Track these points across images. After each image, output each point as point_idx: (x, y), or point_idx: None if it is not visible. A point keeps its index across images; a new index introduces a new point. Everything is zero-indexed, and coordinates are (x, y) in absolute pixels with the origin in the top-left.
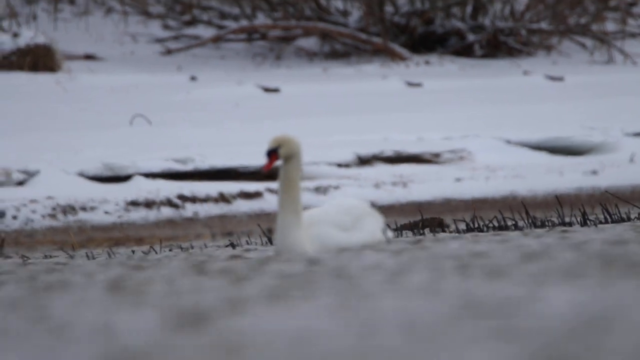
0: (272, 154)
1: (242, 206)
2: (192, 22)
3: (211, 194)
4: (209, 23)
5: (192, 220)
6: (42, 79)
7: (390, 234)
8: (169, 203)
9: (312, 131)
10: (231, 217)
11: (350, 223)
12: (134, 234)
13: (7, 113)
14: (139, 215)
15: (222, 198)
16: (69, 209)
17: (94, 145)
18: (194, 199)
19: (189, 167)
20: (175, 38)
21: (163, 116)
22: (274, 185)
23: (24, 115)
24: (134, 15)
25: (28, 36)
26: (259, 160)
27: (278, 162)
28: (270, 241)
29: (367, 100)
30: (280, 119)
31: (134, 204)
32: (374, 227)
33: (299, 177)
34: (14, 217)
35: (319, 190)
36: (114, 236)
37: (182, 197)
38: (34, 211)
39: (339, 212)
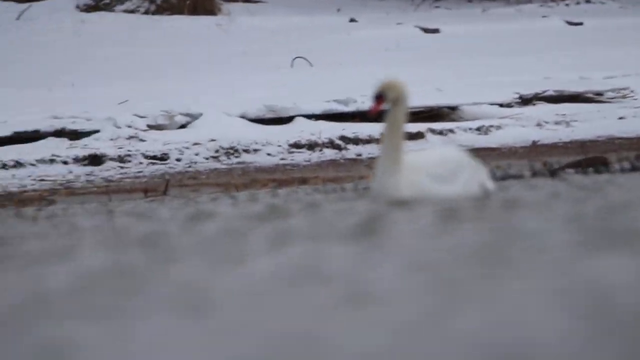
0: (379, 98)
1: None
2: None
3: (373, 134)
4: None
5: (355, 161)
6: (202, 21)
7: (492, 185)
8: (332, 144)
9: (473, 71)
10: None
11: (447, 174)
12: (298, 175)
13: (168, 56)
14: (301, 157)
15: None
16: (231, 151)
17: (256, 88)
18: (356, 140)
19: (350, 107)
20: None
21: (323, 58)
22: (436, 125)
23: (185, 58)
24: None
25: None
26: (420, 100)
27: (385, 107)
28: None
29: (527, 39)
30: (440, 59)
31: (297, 145)
32: (470, 179)
33: (403, 122)
34: (178, 160)
35: (480, 130)
36: (277, 177)
37: (344, 138)
38: (197, 154)
39: (436, 163)
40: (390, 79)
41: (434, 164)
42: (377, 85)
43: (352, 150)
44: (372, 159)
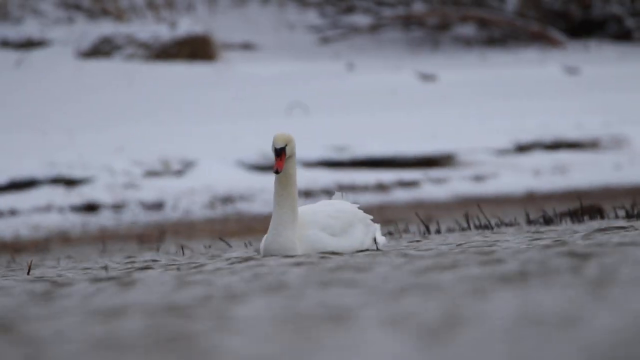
0: (281, 152)
1: (400, 195)
2: (349, 10)
3: (370, 182)
4: (366, 10)
5: None
6: (199, 68)
7: (382, 240)
8: (327, 192)
9: (470, 118)
10: (389, 205)
11: (340, 228)
12: None
13: (165, 103)
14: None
15: (381, 187)
16: (227, 199)
17: (251, 134)
18: (353, 188)
19: (346, 155)
20: (332, 26)
21: (320, 104)
22: (433, 173)
23: (182, 105)
24: (292, 4)
25: (186, 26)
26: (417, 148)
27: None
28: (427, 230)
29: (525, 86)
30: (437, 105)
31: None
32: (363, 233)
33: (295, 177)
34: (174, 208)
35: (478, 178)
36: None
37: (341, 186)
38: (193, 202)
39: (329, 216)
40: (282, 132)
41: (328, 217)
42: (275, 139)
43: (349, 199)
44: (368, 207)
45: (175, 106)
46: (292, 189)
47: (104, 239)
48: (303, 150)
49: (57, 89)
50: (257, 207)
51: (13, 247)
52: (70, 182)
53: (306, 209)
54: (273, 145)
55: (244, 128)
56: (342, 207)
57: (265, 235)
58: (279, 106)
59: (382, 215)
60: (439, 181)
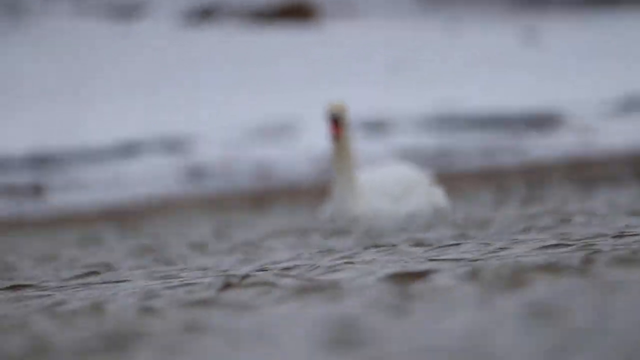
0: (337, 121)
1: (506, 158)
2: None
3: (473, 144)
4: None
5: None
6: (301, 33)
7: (446, 203)
8: (432, 155)
9: (576, 78)
10: (494, 169)
11: (400, 193)
12: None
13: (267, 68)
14: None
15: (484, 150)
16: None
17: (356, 96)
18: (455, 151)
19: (450, 112)
20: None
21: (422, 65)
22: (538, 133)
23: (284, 69)
24: None
25: None
26: (522, 106)
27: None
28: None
29: (633, 47)
30: (543, 66)
31: None
32: (424, 197)
33: (352, 142)
34: (280, 172)
35: (586, 138)
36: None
37: (443, 150)
38: (299, 164)
39: (390, 182)
40: (338, 101)
41: (387, 183)
42: (332, 108)
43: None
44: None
45: (278, 71)
46: (350, 156)
47: (214, 203)
48: (407, 109)
49: (161, 57)
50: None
51: (120, 213)
52: (177, 146)
53: (369, 176)
54: (330, 113)
55: (348, 91)
56: (404, 172)
57: (329, 202)
58: (381, 67)
59: (487, 179)
60: (545, 142)
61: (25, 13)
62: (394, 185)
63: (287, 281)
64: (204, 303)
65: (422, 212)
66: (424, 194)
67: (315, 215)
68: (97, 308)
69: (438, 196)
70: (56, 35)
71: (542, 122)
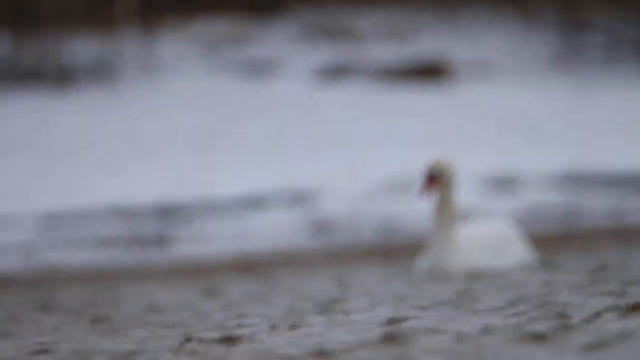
0: (432, 178)
1: (637, 216)
2: (583, 27)
3: (603, 203)
4: (599, 28)
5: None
6: (431, 94)
7: (533, 257)
8: (558, 214)
9: None
10: (622, 228)
11: (499, 248)
12: None
13: (394, 129)
14: None
15: (614, 210)
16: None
17: (484, 157)
18: (583, 210)
19: (580, 170)
20: (566, 45)
21: (551, 129)
22: None
23: (410, 131)
24: (521, 22)
25: (421, 48)
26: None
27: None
28: None
29: None
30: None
31: None
32: (520, 252)
33: (454, 199)
34: (404, 228)
35: None
36: None
37: (570, 207)
38: (422, 221)
39: (488, 237)
40: (441, 158)
41: (485, 239)
42: (429, 165)
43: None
44: None
45: (406, 129)
46: (451, 212)
47: (340, 259)
48: (536, 167)
49: (291, 113)
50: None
51: (243, 266)
52: (302, 200)
53: (466, 231)
54: (427, 168)
55: (479, 150)
56: (499, 227)
57: (426, 256)
58: (511, 128)
59: (613, 237)
60: None
61: (159, 70)
62: (492, 240)
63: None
64: None
65: (518, 266)
66: (519, 247)
67: (411, 268)
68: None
69: (529, 249)
70: (186, 90)
71: None
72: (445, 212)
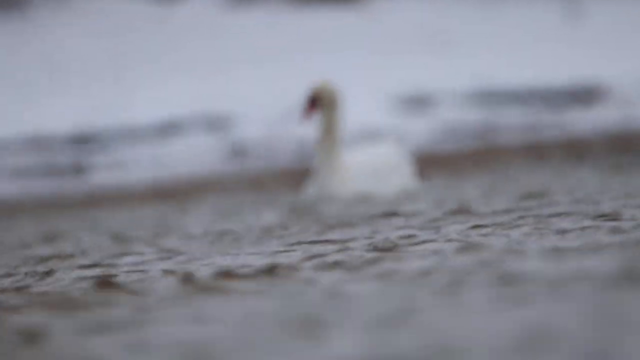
0: (312, 102)
1: (546, 132)
2: None
3: (515, 119)
4: None
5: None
6: (343, 13)
7: (417, 183)
8: (472, 131)
9: (620, 51)
10: (536, 143)
11: (385, 172)
12: None
13: (308, 45)
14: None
15: (526, 124)
16: (373, 137)
17: (397, 71)
18: (498, 126)
19: (491, 87)
20: None
21: (464, 38)
22: (580, 107)
23: (326, 46)
24: None
25: None
26: (564, 80)
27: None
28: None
29: None
30: (585, 40)
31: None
32: (405, 178)
33: (339, 124)
34: None
35: (629, 112)
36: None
37: (486, 124)
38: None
39: (372, 162)
40: (323, 82)
41: (371, 164)
42: (310, 89)
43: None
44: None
45: (319, 46)
46: (335, 137)
47: (257, 184)
48: (450, 84)
49: (204, 36)
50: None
51: (162, 193)
52: (220, 124)
53: (352, 156)
54: (309, 93)
55: (390, 66)
56: (385, 153)
57: (312, 181)
58: (425, 43)
59: (528, 153)
60: (587, 115)
61: None
62: (378, 166)
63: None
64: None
65: (403, 191)
66: (405, 173)
67: (298, 196)
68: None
69: (413, 178)
70: (101, 17)
71: (584, 95)
72: (330, 137)
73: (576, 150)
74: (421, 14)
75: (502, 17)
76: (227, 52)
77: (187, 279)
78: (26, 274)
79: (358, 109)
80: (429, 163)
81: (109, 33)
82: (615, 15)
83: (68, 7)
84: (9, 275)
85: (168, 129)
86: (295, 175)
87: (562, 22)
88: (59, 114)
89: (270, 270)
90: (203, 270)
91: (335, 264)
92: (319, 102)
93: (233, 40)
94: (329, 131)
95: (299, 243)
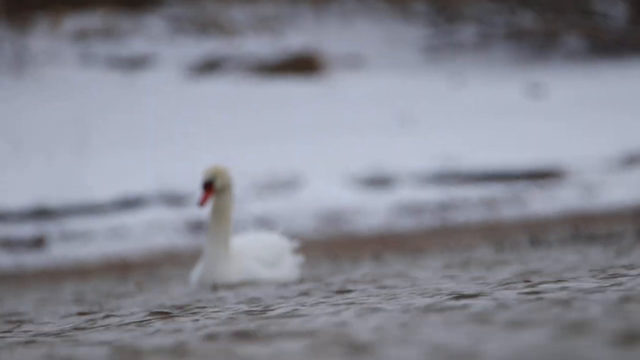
0: (208, 186)
1: (507, 211)
2: (456, 18)
3: (476, 197)
4: (473, 20)
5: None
6: (306, 85)
7: (299, 271)
8: (437, 208)
9: (579, 131)
10: (496, 222)
11: (272, 259)
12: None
13: (271, 120)
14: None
15: (487, 202)
16: (335, 217)
17: (360, 149)
18: (459, 204)
19: (453, 168)
20: (439, 38)
21: (427, 118)
22: (541, 187)
23: (288, 122)
24: (397, 16)
25: (294, 41)
26: (525, 161)
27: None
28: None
29: (636, 100)
30: (546, 120)
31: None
32: (292, 264)
33: (231, 208)
34: (283, 225)
35: (587, 193)
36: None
37: (448, 202)
38: (302, 218)
39: (261, 248)
40: (216, 165)
41: (259, 250)
42: (205, 172)
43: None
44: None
45: (282, 124)
46: (227, 221)
47: None
48: (410, 162)
49: (165, 108)
50: (364, 223)
51: (123, 266)
52: (178, 200)
53: (240, 241)
54: (202, 177)
55: (352, 144)
56: (273, 239)
57: (198, 267)
58: (387, 121)
59: (489, 232)
60: (547, 195)
61: (30, 63)
62: (266, 251)
63: None
64: None
65: (292, 277)
66: (292, 259)
67: (185, 281)
68: None
69: (297, 265)
70: (60, 85)
71: (543, 176)
72: (220, 220)
73: (533, 229)
74: (384, 88)
75: (465, 90)
76: (186, 125)
77: None
78: None
79: (318, 187)
80: (387, 241)
81: (68, 102)
82: (576, 93)
83: (28, 74)
84: None
85: (128, 203)
86: None
87: (524, 101)
88: (20, 186)
89: None
90: None
91: None
92: (212, 186)
93: (193, 111)
94: (220, 214)
95: None
